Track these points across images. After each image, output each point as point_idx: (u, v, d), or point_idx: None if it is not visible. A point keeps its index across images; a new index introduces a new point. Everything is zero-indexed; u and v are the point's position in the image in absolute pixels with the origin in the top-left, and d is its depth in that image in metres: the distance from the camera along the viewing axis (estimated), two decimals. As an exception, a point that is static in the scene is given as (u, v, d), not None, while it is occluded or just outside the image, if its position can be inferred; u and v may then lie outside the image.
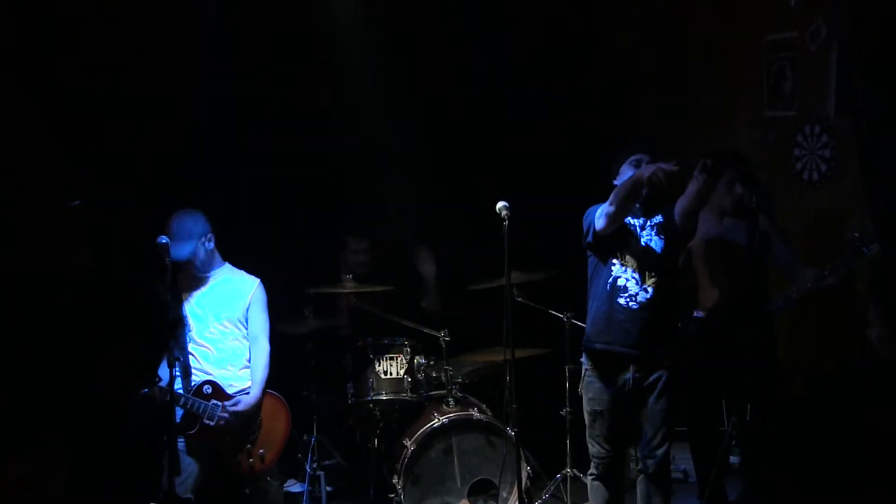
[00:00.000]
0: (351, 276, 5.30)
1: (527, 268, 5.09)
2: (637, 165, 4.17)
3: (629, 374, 4.21)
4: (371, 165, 5.85)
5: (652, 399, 4.24)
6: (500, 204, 4.09)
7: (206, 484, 4.50)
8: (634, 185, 4.02)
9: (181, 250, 4.48)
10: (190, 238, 4.51)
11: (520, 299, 5.13)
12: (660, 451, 4.28)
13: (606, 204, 4.11)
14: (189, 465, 4.41)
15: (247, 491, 4.63)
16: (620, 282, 4.18)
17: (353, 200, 5.94)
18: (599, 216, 4.15)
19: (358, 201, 5.94)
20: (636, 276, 4.17)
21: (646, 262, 4.18)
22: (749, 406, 4.72)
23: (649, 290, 4.16)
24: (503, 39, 6.05)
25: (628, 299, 4.17)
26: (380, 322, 5.37)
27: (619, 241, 4.21)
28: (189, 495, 4.40)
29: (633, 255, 4.18)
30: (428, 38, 5.93)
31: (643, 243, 4.20)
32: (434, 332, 5.22)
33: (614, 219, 4.10)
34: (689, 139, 6.09)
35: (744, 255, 4.62)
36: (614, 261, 4.20)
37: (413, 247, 5.87)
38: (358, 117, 5.84)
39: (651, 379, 4.21)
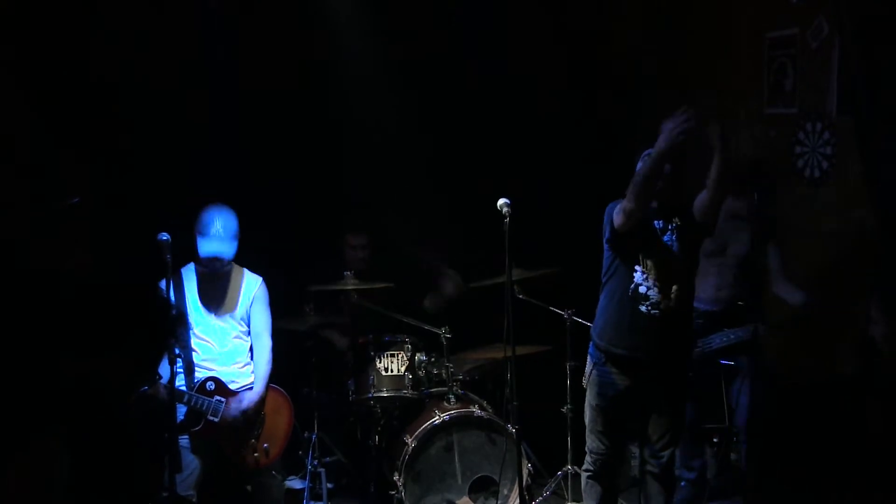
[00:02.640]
0: (351, 272, 5.29)
1: (528, 265, 5.09)
2: None
3: (644, 377, 4.16)
4: (371, 162, 5.86)
5: (663, 401, 4.22)
6: (501, 201, 4.05)
7: (209, 480, 4.50)
8: (653, 161, 3.88)
9: (230, 249, 4.49)
10: (236, 237, 4.51)
11: (521, 296, 5.13)
12: (666, 453, 4.27)
13: (624, 199, 3.99)
14: (191, 463, 4.42)
15: (248, 488, 4.64)
16: (643, 289, 4.08)
17: (353, 197, 5.94)
18: (617, 211, 4.02)
19: (358, 198, 5.94)
20: (658, 283, 4.06)
21: (668, 270, 4.07)
22: (747, 404, 4.73)
23: (672, 298, 4.07)
24: (503, 39, 6.05)
25: (650, 307, 4.07)
26: (381, 319, 5.38)
27: (640, 243, 4.09)
28: (191, 492, 4.41)
29: (655, 262, 4.07)
30: (428, 37, 5.93)
31: (665, 248, 4.09)
32: (435, 329, 5.22)
33: (633, 212, 3.95)
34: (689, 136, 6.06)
35: (742, 257, 4.74)
36: (637, 267, 4.09)
37: (439, 268, 5.88)
38: (357, 115, 5.85)
39: (665, 381, 4.19)
